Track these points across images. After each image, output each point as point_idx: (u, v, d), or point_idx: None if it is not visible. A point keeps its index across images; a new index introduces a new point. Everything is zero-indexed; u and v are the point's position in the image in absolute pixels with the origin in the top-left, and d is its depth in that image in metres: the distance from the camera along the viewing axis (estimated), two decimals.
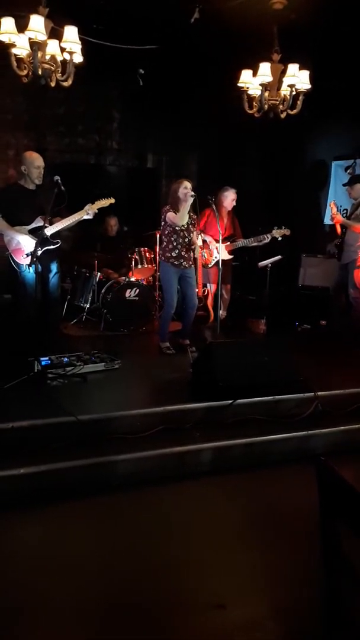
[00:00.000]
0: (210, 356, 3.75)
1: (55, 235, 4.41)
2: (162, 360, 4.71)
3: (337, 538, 1.25)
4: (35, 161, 4.36)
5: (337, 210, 5.43)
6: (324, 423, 3.62)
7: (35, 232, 4.28)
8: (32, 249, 4.19)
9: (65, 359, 4.09)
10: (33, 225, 4.33)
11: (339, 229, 5.52)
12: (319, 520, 1.32)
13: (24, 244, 4.28)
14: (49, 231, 4.31)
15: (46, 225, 4.29)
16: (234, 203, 5.77)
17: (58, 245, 4.46)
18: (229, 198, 5.72)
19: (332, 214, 5.46)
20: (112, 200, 4.60)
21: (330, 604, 1.30)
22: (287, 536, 2.59)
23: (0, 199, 4.34)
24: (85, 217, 4.42)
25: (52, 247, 4.40)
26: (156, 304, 6.19)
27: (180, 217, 4.67)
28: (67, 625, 2.02)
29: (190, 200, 4.63)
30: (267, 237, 5.56)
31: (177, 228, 4.70)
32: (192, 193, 4.63)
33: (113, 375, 4.14)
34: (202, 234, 5.75)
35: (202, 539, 2.56)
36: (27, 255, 4.26)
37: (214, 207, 5.19)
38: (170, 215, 4.69)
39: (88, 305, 6.00)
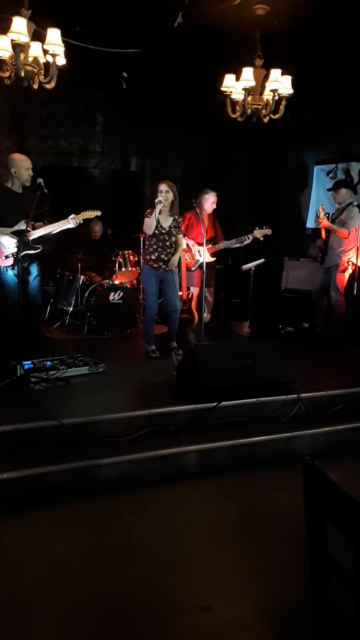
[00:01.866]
0: (195, 359, 3.76)
1: (37, 240, 4.38)
2: (146, 363, 4.70)
3: (324, 537, 1.26)
4: (25, 163, 4.38)
5: (324, 215, 5.49)
6: (308, 424, 3.65)
7: (18, 235, 4.26)
8: (12, 251, 4.16)
9: (49, 363, 4.06)
10: (16, 227, 4.30)
11: (323, 233, 5.59)
12: (305, 520, 1.33)
13: (4, 245, 4.26)
14: (31, 236, 4.30)
15: (29, 229, 4.27)
16: (214, 206, 5.82)
17: (39, 250, 4.43)
18: (209, 201, 5.76)
19: (319, 218, 5.52)
20: (99, 213, 4.63)
21: (318, 605, 1.31)
22: (273, 537, 2.60)
23: None
24: (69, 226, 4.42)
25: (32, 252, 4.37)
26: (140, 307, 6.18)
27: (149, 226, 4.65)
28: (55, 629, 2.00)
29: (158, 207, 4.59)
30: (249, 238, 5.60)
31: (155, 232, 4.69)
32: (160, 199, 4.59)
33: (97, 378, 4.12)
34: (185, 238, 5.76)
35: (189, 541, 2.56)
36: (7, 257, 4.24)
37: (197, 210, 5.22)
38: (145, 221, 4.70)
39: (71, 309, 5.97)
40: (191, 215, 5.75)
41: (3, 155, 4.66)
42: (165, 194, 4.62)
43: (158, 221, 4.67)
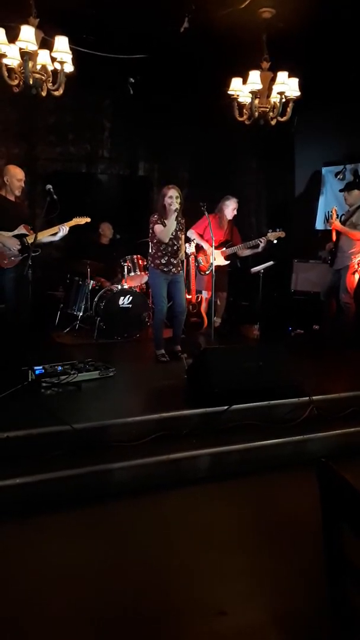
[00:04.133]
0: (205, 362, 3.75)
1: (35, 243, 4.47)
2: (156, 367, 4.70)
3: (340, 540, 1.25)
4: (18, 174, 4.54)
5: (337, 217, 5.48)
6: (320, 427, 3.62)
7: (19, 239, 4.38)
8: (15, 254, 4.33)
9: (59, 368, 4.08)
10: (16, 232, 4.41)
11: (334, 235, 5.56)
12: (322, 523, 1.32)
13: (8, 248, 4.35)
14: (30, 240, 4.42)
15: (27, 233, 4.42)
16: (235, 212, 5.80)
17: (37, 254, 4.53)
18: (230, 207, 5.75)
19: (331, 219, 5.50)
20: (88, 219, 4.73)
21: (334, 607, 1.30)
22: (286, 541, 2.58)
23: None
24: (60, 234, 4.54)
25: (32, 254, 4.46)
26: (149, 312, 6.19)
27: (167, 233, 4.64)
28: (67, 634, 2.00)
29: (175, 214, 4.59)
30: (262, 241, 5.58)
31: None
32: (177, 206, 4.59)
33: (108, 383, 4.12)
34: (197, 238, 5.75)
35: (201, 546, 2.54)
36: (12, 258, 4.35)
37: (207, 214, 5.22)
38: (157, 228, 4.67)
39: (81, 314, 5.99)
40: (214, 219, 5.70)
41: (13, 163, 4.72)
42: (176, 199, 4.61)
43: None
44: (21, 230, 4.46)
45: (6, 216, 4.47)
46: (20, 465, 2.90)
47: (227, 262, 5.85)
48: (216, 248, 5.61)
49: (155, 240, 4.76)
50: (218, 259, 5.67)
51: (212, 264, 5.45)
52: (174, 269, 4.78)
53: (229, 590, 2.24)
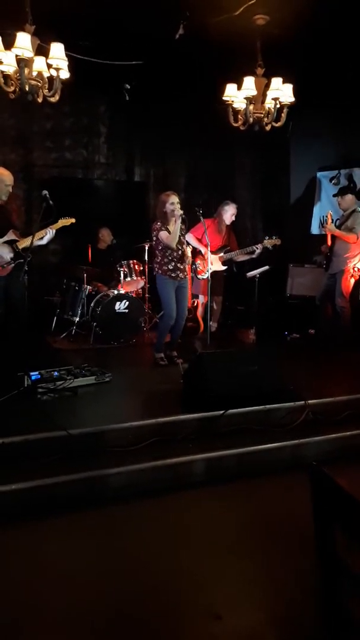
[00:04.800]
0: (201, 367, 3.76)
1: (26, 249, 4.47)
2: (153, 372, 4.71)
3: (332, 542, 1.26)
4: (7, 179, 4.48)
5: (333, 222, 5.51)
6: (316, 431, 3.63)
7: (9, 245, 4.38)
8: (7, 260, 4.32)
9: (56, 373, 4.07)
10: (6, 238, 4.39)
11: (329, 240, 5.59)
12: (314, 525, 1.33)
13: (0, 255, 4.36)
14: (20, 245, 4.41)
15: (17, 239, 4.39)
16: (233, 218, 5.83)
17: (29, 259, 4.52)
18: (229, 212, 5.78)
19: (326, 224, 5.53)
20: (73, 220, 4.67)
21: (329, 608, 1.31)
22: (282, 545, 2.59)
23: None
24: (48, 237, 4.51)
25: (22, 260, 4.45)
26: (146, 317, 6.20)
27: (173, 239, 4.67)
28: (65, 636, 2.00)
29: (179, 220, 4.64)
30: (259, 248, 5.61)
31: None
32: (181, 212, 4.63)
33: (104, 388, 4.12)
34: (195, 242, 5.76)
35: (198, 550, 2.55)
36: (2, 266, 4.37)
37: (202, 219, 5.24)
38: (163, 235, 4.69)
39: (78, 319, 5.99)
40: (212, 223, 5.74)
41: (9, 169, 4.72)
42: (177, 205, 4.65)
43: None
44: (11, 236, 4.42)
45: None
46: (16, 470, 2.90)
47: (225, 267, 5.87)
48: (214, 253, 5.63)
49: (160, 247, 4.77)
50: (215, 263, 5.69)
51: (209, 269, 5.47)
52: (181, 274, 4.81)
53: (225, 593, 2.25)
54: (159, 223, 4.73)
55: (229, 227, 5.88)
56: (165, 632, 2.03)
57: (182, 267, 4.81)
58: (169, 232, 4.67)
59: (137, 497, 2.98)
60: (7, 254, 4.38)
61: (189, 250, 5.57)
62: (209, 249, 5.22)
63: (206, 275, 5.74)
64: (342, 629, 1.30)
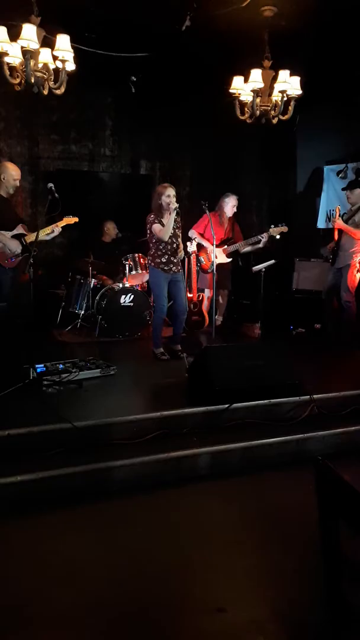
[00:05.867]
0: (206, 361, 3.76)
1: (32, 243, 4.51)
2: (157, 365, 4.71)
3: (337, 536, 1.26)
4: (15, 174, 4.49)
5: (340, 216, 5.47)
6: (321, 426, 3.63)
7: (18, 239, 4.39)
8: (16, 253, 4.34)
9: (61, 366, 4.09)
10: (15, 232, 4.41)
11: (336, 234, 5.56)
12: (318, 520, 1.33)
13: (10, 249, 4.36)
14: (28, 240, 4.45)
15: (26, 233, 4.42)
16: (235, 209, 5.79)
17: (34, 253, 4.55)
18: (230, 204, 5.75)
19: (334, 218, 5.50)
20: (76, 219, 4.71)
21: (332, 601, 1.31)
22: (286, 539, 2.59)
23: None
24: (53, 233, 4.53)
25: (27, 254, 4.49)
26: (151, 310, 6.20)
27: (166, 232, 4.64)
28: (71, 629, 2.01)
29: (174, 213, 4.60)
30: (264, 237, 5.57)
31: None
32: (176, 206, 4.59)
33: (109, 381, 4.13)
34: (197, 237, 5.76)
35: (202, 543, 2.56)
36: (12, 259, 4.37)
37: (208, 212, 5.22)
38: (155, 228, 4.67)
39: (83, 312, 6.00)
40: (214, 216, 5.72)
41: (15, 161, 4.72)
42: (172, 198, 4.62)
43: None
44: (20, 230, 4.46)
45: (6, 215, 4.47)
46: (21, 462, 2.92)
47: (229, 260, 5.85)
48: (218, 246, 5.60)
49: (154, 240, 4.75)
50: (220, 256, 5.66)
51: (213, 262, 5.44)
52: (174, 267, 4.78)
53: (229, 587, 2.26)
54: (152, 215, 4.71)
55: (231, 219, 5.85)
56: (169, 625, 2.04)
57: (175, 260, 4.77)
58: (162, 225, 4.64)
59: (141, 490, 2.99)
60: (17, 248, 4.42)
61: (188, 245, 5.57)
62: (214, 242, 5.19)
63: (210, 269, 5.73)
64: (346, 621, 1.30)
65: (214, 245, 5.28)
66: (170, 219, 4.62)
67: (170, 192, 4.64)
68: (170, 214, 4.63)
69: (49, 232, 4.49)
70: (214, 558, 2.45)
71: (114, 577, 2.31)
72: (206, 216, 5.42)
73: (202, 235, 5.73)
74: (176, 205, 4.58)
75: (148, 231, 4.76)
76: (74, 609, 2.11)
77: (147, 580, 2.29)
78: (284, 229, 5.53)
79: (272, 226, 5.57)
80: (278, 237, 5.54)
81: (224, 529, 2.69)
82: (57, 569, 2.35)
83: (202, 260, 5.89)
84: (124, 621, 2.06)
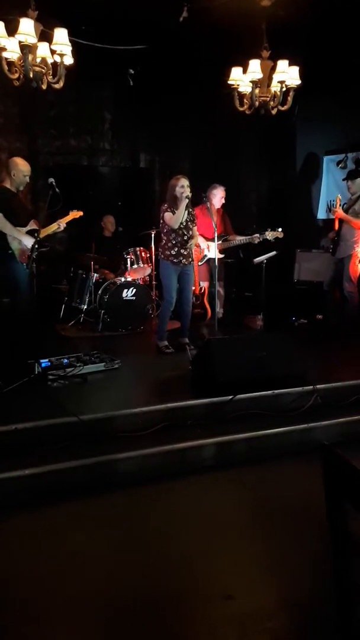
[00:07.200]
0: (209, 353, 3.77)
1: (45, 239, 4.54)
2: (161, 358, 4.73)
3: (345, 522, 1.28)
4: (25, 170, 4.46)
5: (340, 205, 5.47)
6: (324, 415, 3.65)
7: (32, 234, 4.36)
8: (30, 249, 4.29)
9: (65, 360, 4.11)
10: (28, 227, 4.40)
11: (337, 224, 5.55)
12: (326, 505, 1.35)
13: (25, 245, 4.35)
14: (41, 235, 4.40)
15: (38, 229, 4.37)
16: (223, 200, 5.79)
17: (47, 249, 4.55)
18: (218, 196, 5.75)
19: (334, 208, 5.50)
20: (81, 213, 4.74)
21: (341, 587, 1.33)
22: (292, 527, 2.62)
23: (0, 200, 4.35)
24: (58, 229, 4.55)
25: (44, 249, 4.48)
26: (153, 304, 6.22)
27: (177, 220, 4.65)
28: (80, 619, 2.04)
29: (186, 201, 4.62)
30: (259, 238, 5.60)
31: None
32: (188, 194, 4.61)
33: (113, 374, 4.16)
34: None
35: (209, 533, 2.58)
36: (28, 256, 4.34)
37: (208, 205, 5.22)
38: (167, 216, 4.68)
39: (85, 307, 6.02)
40: (200, 211, 5.75)
41: (15, 156, 4.71)
42: (186, 188, 4.63)
43: None
44: (32, 225, 4.44)
45: (20, 212, 4.44)
46: (29, 456, 2.94)
47: (222, 256, 5.85)
48: (210, 240, 5.64)
49: (165, 230, 4.76)
50: (212, 251, 5.67)
51: (205, 256, 5.47)
52: (184, 260, 4.79)
53: (236, 575, 2.28)
54: (166, 205, 4.72)
55: (220, 211, 5.85)
56: (177, 613, 2.07)
57: (185, 252, 4.79)
58: (174, 213, 4.65)
59: (147, 482, 3.02)
60: (30, 243, 4.35)
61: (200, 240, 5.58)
62: (216, 233, 5.19)
63: (201, 262, 5.76)
64: (354, 606, 1.32)
65: (215, 240, 5.28)
66: (181, 208, 4.63)
67: (184, 182, 4.66)
68: (182, 202, 4.63)
69: (56, 227, 4.49)
70: (221, 547, 2.48)
71: (121, 568, 2.34)
72: (195, 210, 5.45)
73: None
74: (188, 194, 4.60)
75: (161, 221, 4.78)
76: (81, 600, 2.14)
77: (154, 570, 2.32)
78: (280, 234, 5.55)
79: (269, 229, 5.58)
80: (273, 240, 5.56)
81: (230, 518, 2.72)
82: (64, 561, 2.38)
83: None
84: (132, 609, 2.09)
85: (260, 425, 3.48)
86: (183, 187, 4.63)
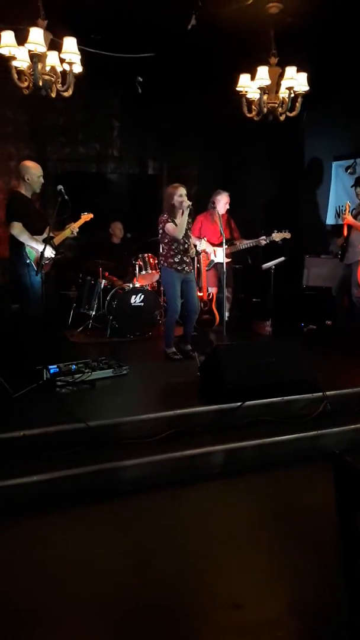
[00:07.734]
0: (218, 359, 3.76)
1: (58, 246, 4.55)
2: (169, 365, 4.72)
3: (356, 530, 1.26)
4: (38, 171, 4.43)
5: (350, 212, 5.45)
6: (334, 422, 3.62)
7: (46, 242, 4.36)
8: (50, 256, 4.35)
9: (74, 367, 4.12)
10: (45, 235, 4.39)
11: (345, 230, 5.53)
12: (336, 513, 1.33)
13: (45, 253, 4.35)
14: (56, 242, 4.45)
15: (52, 235, 4.36)
16: (228, 206, 5.79)
17: (62, 256, 4.56)
18: (222, 202, 5.75)
19: (344, 214, 5.48)
20: (92, 215, 4.77)
21: (352, 598, 1.31)
22: (302, 535, 2.59)
23: (19, 208, 4.31)
24: (70, 235, 4.55)
25: (59, 256, 4.49)
26: (161, 310, 6.22)
27: (180, 230, 4.65)
28: (89, 626, 2.03)
29: (187, 211, 4.62)
30: (266, 240, 5.58)
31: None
32: (189, 203, 4.61)
33: (121, 381, 4.16)
34: (194, 239, 5.75)
35: (217, 540, 2.56)
36: (47, 262, 4.36)
37: (217, 212, 5.23)
38: (169, 227, 4.67)
39: (94, 313, 6.03)
40: (204, 217, 5.75)
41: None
42: (185, 197, 4.63)
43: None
44: (49, 232, 4.40)
45: (36, 219, 4.41)
46: (37, 462, 2.94)
47: (228, 260, 5.84)
48: (216, 245, 5.62)
49: (166, 240, 4.76)
50: (219, 256, 5.66)
51: (212, 261, 5.46)
52: (187, 267, 4.80)
53: (245, 583, 2.26)
54: (165, 215, 4.71)
55: (225, 216, 5.84)
56: (186, 621, 2.05)
57: (187, 260, 4.79)
58: (176, 224, 4.65)
59: (155, 489, 3.01)
60: (49, 251, 4.34)
61: (197, 244, 5.58)
62: (224, 239, 5.19)
63: (208, 268, 5.76)
64: None
65: (223, 245, 5.28)
66: (184, 218, 4.63)
67: (182, 191, 4.65)
68: (183, 213, 4.63)
69: (70, 233, 4.49)
70: (230, 555, 2.45)
71: (129, 575, 2.33)
72: (198, 218, 5.45)
73: (198, 237, 5.75)
74: (189, 203, 4.60)
75: (160, 231, 4.77)
76: (89, 606, 2.13)
77: (163, 577, 2.30)
78: (287, 235, 5.53)
79: (275, 231, 5.56)
80: (280, 242, 5.54)
81: (239, 526, 2.69)
82: (72, 567, 2.37)
83: (201, 259, 5.92)
84: (139, 618, 2.07)
85: (269, 432, 3.46)
86: (182, 196, 4.62)
